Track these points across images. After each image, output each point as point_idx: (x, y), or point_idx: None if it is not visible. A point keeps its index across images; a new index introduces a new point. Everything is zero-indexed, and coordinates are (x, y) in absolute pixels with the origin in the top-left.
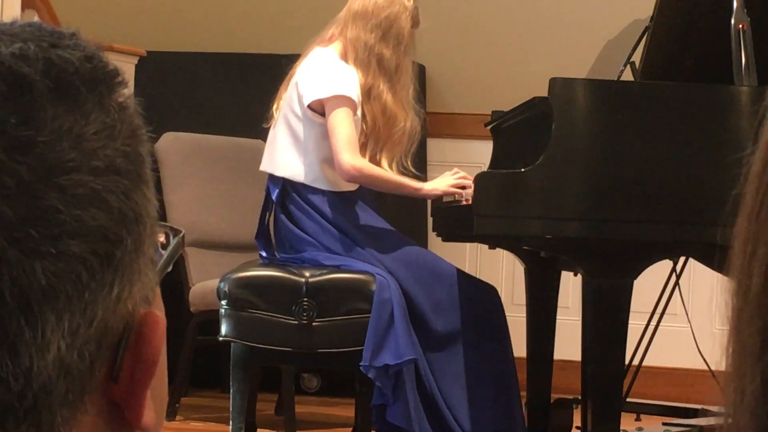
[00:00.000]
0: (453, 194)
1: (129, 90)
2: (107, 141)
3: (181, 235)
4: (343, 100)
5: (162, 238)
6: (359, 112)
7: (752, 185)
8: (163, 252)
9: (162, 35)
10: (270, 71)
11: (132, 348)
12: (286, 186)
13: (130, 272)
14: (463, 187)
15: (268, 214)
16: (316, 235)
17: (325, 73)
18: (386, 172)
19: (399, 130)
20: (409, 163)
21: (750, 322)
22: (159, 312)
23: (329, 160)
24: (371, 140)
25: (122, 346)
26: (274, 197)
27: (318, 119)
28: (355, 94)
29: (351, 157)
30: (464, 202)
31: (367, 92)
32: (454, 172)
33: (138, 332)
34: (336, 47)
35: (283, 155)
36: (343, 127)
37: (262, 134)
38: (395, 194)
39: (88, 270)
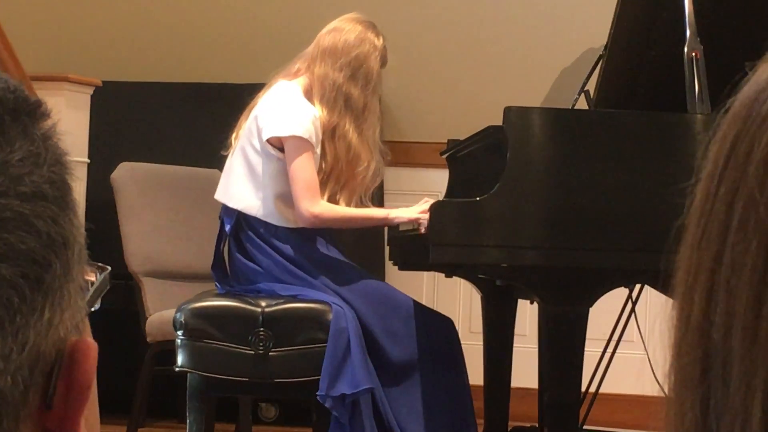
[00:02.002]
0: (417, 220)
1: (52, 121)
2: (33, 168)
3: (107, 271)
4: (302, 142)
5: (93, 277)
6: (318, 150)
7: (694, 215)
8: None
9: (118, 65)
10: (226, 101)
11: (65, 374)
12: (240, 220)
13: (60, 297)
14: None
15: (222, 244)
16: (270, 269)
17: (285, 109)
18: (347, 210)
19: (362, 171)
20: (369, 202)
21: (690, 350)
22: (90, 339)
23: (284, 195)
24: (332, 179)
25: (55, 372)
26: (227, 230)
27: (277, 153)
28: (315, 136)
29: (310, 205)
30: (422, 231)
31: (332, 131)
32: (423, 201)
33: (70, 358)
34: (300, 82)
35: (238, 187)
36: (303, 172)
37: (219, 164)
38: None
39: (19, 294)
